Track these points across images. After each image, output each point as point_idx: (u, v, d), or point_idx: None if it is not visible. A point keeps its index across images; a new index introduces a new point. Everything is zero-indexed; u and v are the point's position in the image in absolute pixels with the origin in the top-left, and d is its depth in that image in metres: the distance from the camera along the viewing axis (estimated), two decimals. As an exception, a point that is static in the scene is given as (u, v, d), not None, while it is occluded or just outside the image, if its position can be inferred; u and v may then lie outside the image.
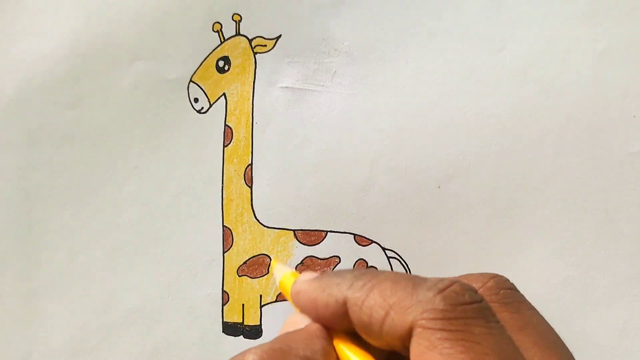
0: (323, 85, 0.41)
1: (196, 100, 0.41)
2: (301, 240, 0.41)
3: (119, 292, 0.41)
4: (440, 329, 0.23)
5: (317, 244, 0.41)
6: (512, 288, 0.29)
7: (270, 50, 0.41)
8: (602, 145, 0.41)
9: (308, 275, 0.30)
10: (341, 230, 0.41)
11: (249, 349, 0.26)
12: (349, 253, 0.41)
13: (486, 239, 0.41)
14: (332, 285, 0.28)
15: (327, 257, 0.41)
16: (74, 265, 0.41)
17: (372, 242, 0.41)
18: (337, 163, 0.41)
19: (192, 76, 0.41)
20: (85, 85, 0.41)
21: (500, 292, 0.29)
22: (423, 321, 0.24)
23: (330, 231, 0.41)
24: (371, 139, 0.41)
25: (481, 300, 0.25)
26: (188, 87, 0.41)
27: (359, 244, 0.41)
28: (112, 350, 0.41)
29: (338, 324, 0.28)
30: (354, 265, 0.41)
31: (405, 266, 0.41)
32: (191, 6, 0.40)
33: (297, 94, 0.41)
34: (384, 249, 0.41)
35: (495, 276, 0.29)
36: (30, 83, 0.40)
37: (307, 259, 0.41)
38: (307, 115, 0.41)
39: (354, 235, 0.41)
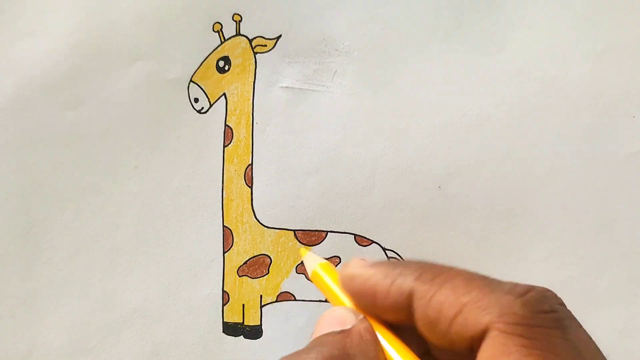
0: (323, 85, 0.41)
1: (196, 100, 0.41)
2: (301, 241, 0.41)
3: (119, 292, 0.41)
4: (519, 335, 0.22)
5: (317, 244, 0.41)
6: (562, 304, 0.29)
7: (270, 50, 0.41)
8: (602, 146, 0.41)
9: (360, 261, 0.29)
10: (341, 231, 0.41)
11: (306, 352, 0.25)
12: (349, 253, 0.41)
13: (486, 239, 0.41)
14: (395, 274, 0.26)
15: (328, 257, 0.41)
16: (74, 265, 0.41)
17: (373, 242, 0.41)
18: (338, 163, 0.41)
19: (192, 76, 0.41)
20: (85, 85, 0.41)
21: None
22: (501, 324, 0.23)
23: (331, 231, 0.41)
24: (371, 139, 0.41)
25: (560, 309, 0.24)
26: (188, 87, 0.41)
27: (359, 244, 0.41)
28: (112, 350, 0.41)
29: (395, 315, 0.27)
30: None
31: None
32: (191, 6, 0.40)
33: (298, 94, 0.41)
34: (384, 249, 0.41)
35: (547, 290, 0.29)
36: (30, 83, 0.40)
37: (307, 259, 0.41)
38: (307, 115, 0.41)
39: (354, 235, 0.41)
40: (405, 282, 0.26)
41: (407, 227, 0.41)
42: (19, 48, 0.40)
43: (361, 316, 0.28)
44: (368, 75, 0.41)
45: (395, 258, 0.41)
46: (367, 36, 0.41)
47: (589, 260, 0.41)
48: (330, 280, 0.31)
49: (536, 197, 0.41)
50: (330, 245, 0.41)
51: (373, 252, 0.41)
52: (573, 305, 0.41)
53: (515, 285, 0.24)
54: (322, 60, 0.41)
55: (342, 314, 0.28)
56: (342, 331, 0.27)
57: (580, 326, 0.26)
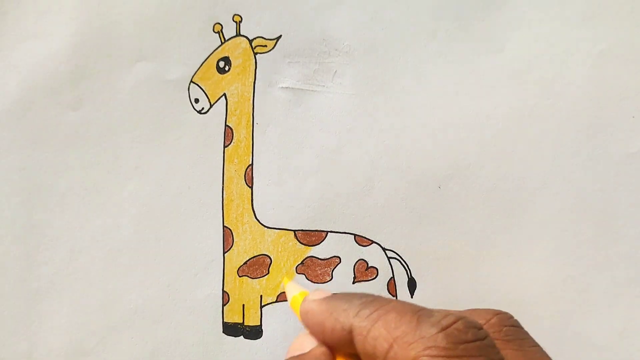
0: (323, 86, 0.41)
1: (197, 100, 0.41)
2: (301, 241, 0.41)
3: (119, 292, 0.41)
4: None
5: (317, 244, 0.41)
6: (516, 325, 0.29)
7: (270, 50, 0.41)
8: (602, 146, 0.41)
9: (317, 294, 0.30)
10: (341, 231, 0.41)
11: None
12: (350, 253, 0.41)
13: (486, 239, 0.41)
14: (339, 310, 0.28)
15: (328, 257, 0.41)
16: (74, 265, 0.41)
17: (373, 242, 0.41)
18: (338, 163, 0.41)
19: (192, 77, 0.41)
20: (87, 86, 0.41)
21: (504, 329, 0.29)
22: (425, 358, 0.24)
23: (331, 231, 0.41)
24: (371, 139, 0.41)
25: (485, 337, 0.25)
26: (189, 88, 0.41)
27: (360, 244, 0.41)
28: (112, 350, 0.41)
29: (344, 348, 0.28)
30: (354, 266, 0.41)
31: (406, 266, 0.41)
32: (192, 7, 0.41)
33: (298, 94, 0.41)
34: (384, 249, 0.41)
35: (499, 313, 0.30)
36: (32, 84, 0.40)
37: (308, 259, 0.41)
38: (307, 115, 0.41)
39: (355, 235, 0.41)
40: (346, 318, 0.27)
41: (407, 227, 0.41)
42: (22, 50, 0.40)
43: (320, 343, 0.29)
44: (368, 75, 0.41)
45: (395, 258, 0.41)
46: (367, 36, 0.41)
47: (589, 260, 0.41)
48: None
49: (536, 197, 0.41)
50: (330, 245, 0.41)
51: (373, 252, 0.41)
52: (573, 305, 0.41)
53: (444, 316, 0.25)
54: (322, 60, 0.41)
55: (305, 340, 0.30)
56: (299, 355, 0.29)
57: (523, 348, 0.28)
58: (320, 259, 0.41)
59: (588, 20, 0.41)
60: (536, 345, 0.29)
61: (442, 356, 0.24)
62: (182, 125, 0.41)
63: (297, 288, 0.35)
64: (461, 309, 0.31)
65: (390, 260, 0.41)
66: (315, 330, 0.29)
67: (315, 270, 0.41)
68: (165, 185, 0.41)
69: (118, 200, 0.41)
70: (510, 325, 0.29)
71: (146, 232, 0.41)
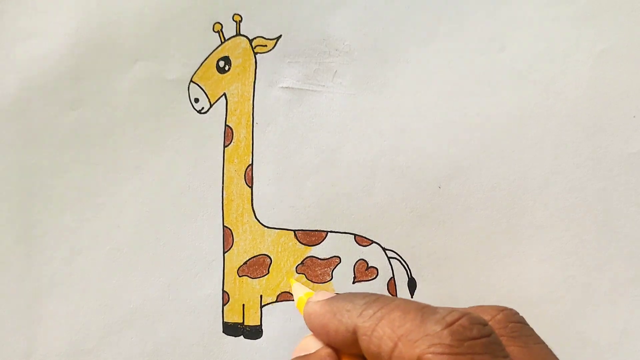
0: (323, 86, 0.41)
1: (197, 100, 0.41)
2: (301, 241, 0.41)
3: (119, 292, 0.41)
4: None
5: (317, 244, 0.41)
6: (521, 322, 0.29)
7: (270, 50, 0.41)
8: (602, 146, 0.41)
9: (321, 295, 0.30)
10: (341, 231, 0.41)
11: None
12: (350, 253, 0.41)
13: (486, 239, 0.41)
14: (343, 311, 0.28)
15: (328, 257, 0.41)
16: (74, 265, 0.41)
17: (373, 242, 0.41)
18: (338, 163, 0.41)
19: (192, 76, 0.41)
20: (86, 85, 0.41)
21: (509, 325, 0.29)
22: (430, 355, 0.24)
23: (331, 231, 0.41)
24: (371, 139, 0.41)
25: (490, 334, 0.25)
26: (188, 88, 0.41)
27: (360, 244, 0.41)
28: (112, 350, 0.41)
29: (348, 349, 0.28)
30: (354, 266, 0.41)
31: (406, 266, 0.41)
32: (192, 6, 0.41)
33: (298, 94, 0.41)
34: (384, 249, 0.41)
35: (504, 309, 0.30)
36: (31, 83, 0.40)
37: (308, 259, 0.41)
38: (307, 115, 0.41)
39: (355, 235, 0.41)
40: (350, 319, 0.27)
41: (407, 227, 0.41)
42: (20, 49, 0.40)
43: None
44: (368, 75, 0.41)
45: (395, 258, 0.41)
46: (367, 36, 0.41)
47: (589, 260, 0.41)
48: None
49: (536, 197, 0.41)
50: (330, 245, 0.41)
51: (373, 252, 0.41)
52: (573, 305, 0.41)
53: (449, 312, 0.25)
54: (322, 60, 0.41)
55: (310, 341, 0.30)
56: (305, 355, 0.29)
57: (528, 345, 0.28)
58: (320, 259, 0.41)
59: (588, 19, 0.41)
60: (541, 342, 0.29)
61: (447, 353, 0.24)
62: (182, 125, 0.41)
63: (302, 289, 0.35)
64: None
65: (390, 260, 0.41)
66: (319, 332, 0.29)
67: (315, 270, 0.41)
68: (165, 185, 0.41)
69: (118, 200, 0.41)
70: (516, 322, 0.29)
71: (146, 232, 0.41)
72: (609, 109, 0.41)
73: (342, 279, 0.42)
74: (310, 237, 0.41)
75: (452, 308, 0.26)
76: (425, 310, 0.25)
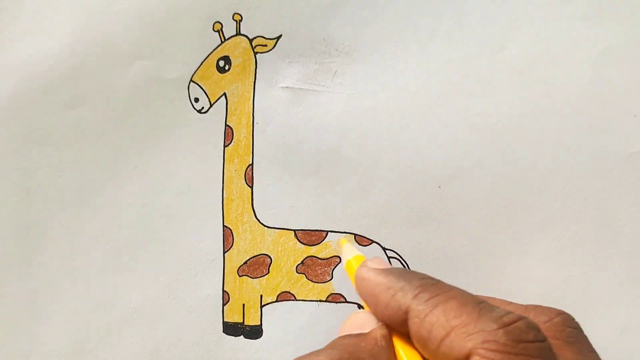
0: (323, 85, 0.41)
1: (197, 100, 0.41)
2: (301, 240, 0.41)
3: (119, 292, 0.41)
4: None
5: (317, 244, 0.41)
6: (577, 328, 0.29)
7: (270, 50, 0.41)
8: (602, 145, 0.41)
9: (376, 262, 0.30)
10: (341, 230, 0.41)
11: (316, 354, 0.26)
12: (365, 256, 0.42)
13: (486, 239, 0.41)
14: (397, 288, 0.28)
15: (328, 257, 0.41)
16: (74, 265, 0.41)
17: (373, 242, 0.41)
18: (337, 163, 0.41)
19: (192, 76, 0.41)
20: (85, 85, 0.40)
21: (566, 330, 0.29)
22: (482, 350, 0.24)
23: (331, 231, 0.41)
24: (371, 139, 0.41)
25: (544, 340, 0.25)
26: (188, 87, 0.41)
27: (360, 244, 0.41)
28: (112, 350, 0.41)
29: (395, 325, 0.28)
30: (354, 265, 0.41)
31: (406, 266, 0.41)
32: (191, 6, 0.40)
33: (298, 94, 0.41)
34: (384, 249, 0.41)
35: (562, 313, 0.29)
36: (30, 83, 0.40)
37: (308, 258, 0.41)
38: (307, 115, 0.41)
39: (355, 235, 0.41)
40: (403, 298, 0.27)
41: (407, 227, 0.41)
42: (19, 48, 0.40)
43: (381, 323, 0.29)
44: (368, 75, 0.41)
45: (395, 258, 0.41)
46: (367, 36, 0.41)
47: (589, 260, 0.41)
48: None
49: (536, 197, 0.41)
50: (330, 245, 0.41)
51: (373, 252, 0.41)
52: (573, 305, 0.41)
53: (506, 313, 0.25)
54: (322, 60, 0.41)
55: (363, 318, 0.30)
56: (359, 334, 0.28)
57: (583, 352, 0.28)
58: (320, 259, 0.41)
59: (589, 19, 0.41)
60: (594, 351, 0.29)
61: (501, 351, 0.24)
62: (181, 124, 0.41)
63: (353, 251, 0.35)
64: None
65: (390, 260, 0.41)
66: (368, 301, 0.29)
67: (315, 269, 0.41)
68: (165, 185, 0.41)
69: (118, 200, 0.41)
70: (573, 327, 0.29)
71: (146, 232, 0.41)
72: (609, 108, 0.41)
73: (342, 279, 0.42)
74: (311, 236, 0.41)
75: (509, 310, 0.26)
76: (483, 307, 0.25)
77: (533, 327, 0.25)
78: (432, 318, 0.26)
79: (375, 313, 0.29)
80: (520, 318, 0.25)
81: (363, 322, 0.29)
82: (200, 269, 0.41)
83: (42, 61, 0.40)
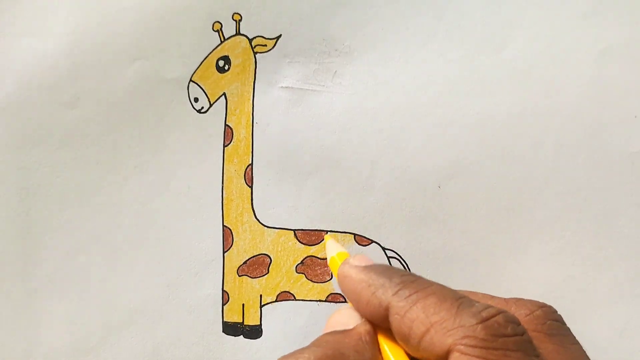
0: (323, 85, 0.41)
1: (196, 99, 0.41)
2: (301, 240, 0.41)
3: (119, 292, 0.41)
4: (477, 357, 0.24)
5: (317, 243, 0.41)
6: (559, 320, 0.29)
7: (270, 50, 0.41)
8: (603, 145, 0.41)
9: (358, 259, 0.31)
10: (341, 230, 0.41)
11: (300, 352, 0.27)
12: (350, 253, 0.41)
13: (486, 239, 0.41)
14: (378, 285, 0.28)
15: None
16: (74, 265, 0.41)
17: (372, 241, 0.41)
18: (337, 163, 0.41)
19: (192, 76, 0.41)
20: (85, 84, 0.40)
21: (547, 322, 0.29)
22: (462, 346, 0.24)
23: (331, 231, 0.41)
24: (371, 139, 0.41)
25: (523, 333, 0.25)
26: (188, 87, 0.41)
27: (359, 244, 0.41)
28: (112, 350, 0.41)
29: (377, 322, 0.28)
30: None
31: (405, 266, 0.41)
32: (191, 5, 0.40)
33: (298, 93, 0.41)
34: (384, 249, 0.41)
35: (543, 305, 0.30)
36: (30, 82, 0.40)
37: (308, 258, 0.41)
38: (307, 115, 0.41)
39: (354, 235, 0.41)
40: (384, 295, 0.27)
41: (407, 227, 0.41)
42: (19, 47, 0.40)
43: (364, 319, 0.29)
44: (368, 75, 0.41)
45: (395, 258, 0.41)
46: (367, 36, 0.41)
47: (589, 260, 0.41)
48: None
49: (536, 197, 0.41)
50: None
51: (373, 252, 0.41)
52: (573, 305, 0.41)
53: (484, 308, 0.25)
54: (322, 60, 0.41)
55: (347, 314, 0.30)
56: (343, 331, 0.28)
57: (565, 344, 0.28)
58: (320, 259, 0.41)
59: (589, 19, 0.41)
60: (577, 343, 0.29)
61: (480, 347, 0.24)
62: (181, 124, 0.41)
63: (336, 248, 0.35)
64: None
65: (390, 259, 0.41)
66: (351, 298, 0.29)
67: (315, 269, 0.41)
68: (165, 185, 0.41)
69: (117, 200, 0.41)
70: (554, 320, 0.29)
71: (146, 232, 0.41)
72: (609, 108, 0.41)
73: (342, 279, 0.42)
74: (310, 236, 0.41)
75: (488, 304, 0.26)
76: (462, 302, 0.26)
77: (512, 321, 0.25)
78: (412, 314, 0.26)
79: (358, 310, 0.29)
80: (499, 312, 0.25)
81: (347, 319, 0.29)
82: (200, 269, 0.41)
83: (42, 61, 0.40)
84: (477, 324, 0.24)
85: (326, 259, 0.41)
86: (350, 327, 0.29)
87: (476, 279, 0.41)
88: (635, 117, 0.41)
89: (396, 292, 0.27)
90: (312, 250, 0.41)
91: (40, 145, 0.41)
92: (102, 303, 0.41)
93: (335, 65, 0.41)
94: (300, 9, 0.41)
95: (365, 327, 0.28)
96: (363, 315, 0.29)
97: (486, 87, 0.41)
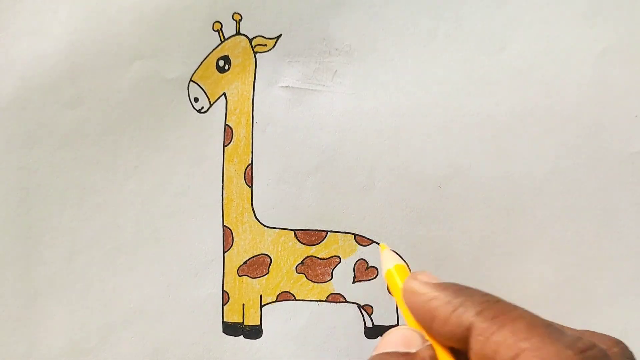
0: (323, 85, 0.41)
1: (196, 99, 0.41)
2: (301, 240, 0.41)
3: (119, 292, 0.41)
4: None
5: (317, 243, 0.41)
6: (633, 358, 0.29)
7: (270, 49, 0.41)
8: (603, 145, 0.41)
9: (426, 276, 0.29)
10: (341, 230, 0.41)
11: None
12: (350, 253, 0.41)
13: (486, 239, 0.41)
14: (457, 303, 0.27)
15: (328, 257, 0.41)
16: (74, 265, 0.41)
17: (373, 242, 0.41)
18: (337, 163, 0.41)
19: (192, 75, 0.41)
20: (85, 84, 0.40)
21: None
22: None
23: (331, 231, 0.41)
24: (371, 139, 0.41)
25: None
26: (188, 87, 0.41)
27: (360, 244, 0.41)
28: (112, 350, 0.41)
29: (448, 342, 0.27)
30: (354, 265, 0.41)
31: (405, 266, 0.41)
32: (191, 5, 0.40)
33: (298, 93, 0.41)
34: (384, 249, 0.41)
35: (620, 343, 0.29)
36: (30, 82, 0.40)
37: (308, 258, 0.41)
38: (307, 115, 0.41)
39: (354, 235, 0.41)
40: (466, 314, 0.26)
41: (407, 227, 0.41)
42: (19, 47, 0.40)
43: (428, 342, 0.28)
44: (368, 75, 0.41)
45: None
46: (367, 36, 0.41)
47: (589, 260, 0.41)
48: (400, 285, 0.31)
49: (536, 197, 0.41)
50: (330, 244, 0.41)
51: (373, 252, 0.41)
52: (573, 305, 0.41)
53: (578, 339, 0.25)
54: (322, 60, 0.41)
55: (409, 336, 0.29)
56: (406, 354, 0.28)
57: None
58: (320, 259, 0.41)
59: (589, 19, 0.41)
60: None
61: None
62: (181, 124, 0.41)
63: (394, 260, 0.34)
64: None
65: (390, 259, 0.41)
66: (420, 315, 0.28)
67: (315, 269, 0.41)
68: (165, 185, 0.41)
69: (117, 200, 0.41)
70: (629, 358, 0.28)
71: (146, 232, 0.41)
72: (609, 108, 0.41)
73: (342, 279, 0.42)
74: (310, 236, 0.41)
75: (578, 335, 0.25)
76: (553, 330, 0.25)
77: (606, 356, 0.24)
78: (498, 337, 0.25)
79: (430, 329, 0.28)
80: (594, 345, 0.24)
81: (409, 340, 0.28)
82: (200, 268, 0.41)
83: (42, 61, 0.40)
84: (574, 355, 0.24)
85: (326, 259, 0.41)
86: (412, 349, 0.28)
87: (476, 279, 0.41)
88: (636, 117, 0.41)
89: (479, 312, 0.26)
90: (313, 251, 0.41)
91: (40, 145, 0.41)
92: (102, 303, 0.41)
93: (335, 64, 0.41)
94: (300, 8, 0.41)
95: (429, 352, 0.28)
96: (435, 334, 0.28)
97: (486, 88, 0.41)
